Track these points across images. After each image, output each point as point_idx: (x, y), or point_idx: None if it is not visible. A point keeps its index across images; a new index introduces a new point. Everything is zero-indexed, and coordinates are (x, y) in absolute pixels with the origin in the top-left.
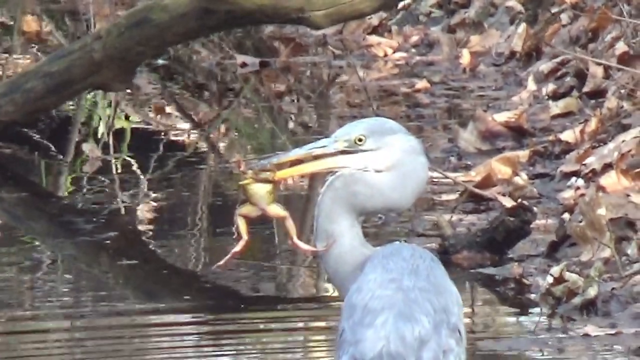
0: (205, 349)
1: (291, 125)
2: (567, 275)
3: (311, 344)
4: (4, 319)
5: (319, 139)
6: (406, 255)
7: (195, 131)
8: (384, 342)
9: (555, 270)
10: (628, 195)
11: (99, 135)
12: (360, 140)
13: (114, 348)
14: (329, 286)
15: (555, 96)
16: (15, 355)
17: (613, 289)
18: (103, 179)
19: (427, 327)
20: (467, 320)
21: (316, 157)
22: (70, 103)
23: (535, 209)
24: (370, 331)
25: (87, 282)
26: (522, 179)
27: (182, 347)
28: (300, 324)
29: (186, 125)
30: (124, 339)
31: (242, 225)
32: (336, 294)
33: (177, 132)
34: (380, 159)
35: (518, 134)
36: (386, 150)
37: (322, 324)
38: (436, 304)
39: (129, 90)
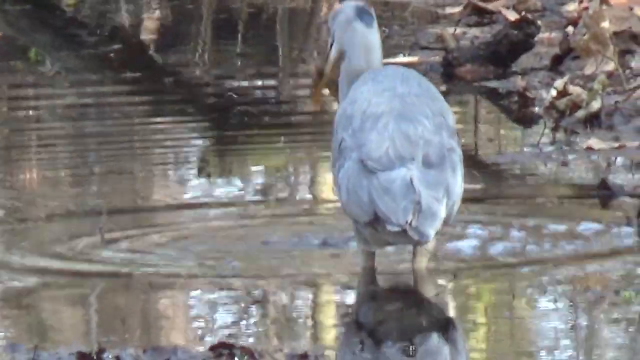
0: (210, 152)
1: None
2: (571, 88)
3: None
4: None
5: None
6: (394, 69)
7: None
8: (389, 142)
9: (559, 83)
10: (631, 9)
11: None
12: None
13: (118, 153)
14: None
15: None
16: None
17: (616, 102)
18: None
19: (429, 127)
20: (471, 133)
21: None
22: None
23: (539, 22)
24: (373, 133)
25: (92, 98)
26: None
27: (186, 156)
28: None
29: None
30: (129, 143)
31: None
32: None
33: None
34: (334, 49)
35: None
36: (336, 38)
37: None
38: (433, 107)
39: None
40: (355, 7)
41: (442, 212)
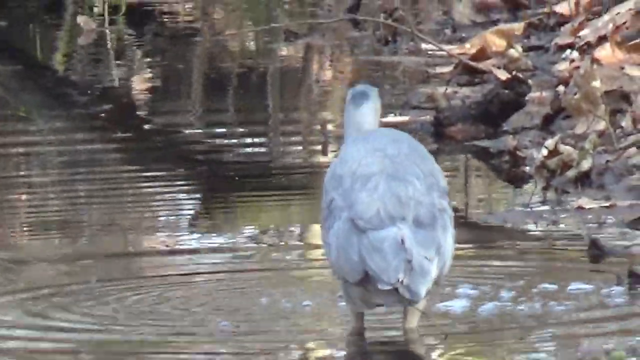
0: (200, 219)
1: None
2: (562, 147)
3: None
4: None
5: (312, 11)
6: (384, 131)
7: (190, 3)
8: (380, 202)
9: (550, 142)
10: (622, 68)
11: (94, 8)
12: None
13: (108, 218)
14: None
15: None
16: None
17: (607, 161)
18: (98, 51)
19: (419, 188)
20: (462, 193)
21: None
22: None
23: (529, 81)
24: (364, 194)
25: (81, 156)
26: (516, 51)
27: (177, 222)
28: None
29: None
30: (119, 208)
31: None
32: None
33: (172, 5)
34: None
35: (513, 6)
36: None
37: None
38: (423, 167)
39: None
40: (353, 91)
41: (434, 271)
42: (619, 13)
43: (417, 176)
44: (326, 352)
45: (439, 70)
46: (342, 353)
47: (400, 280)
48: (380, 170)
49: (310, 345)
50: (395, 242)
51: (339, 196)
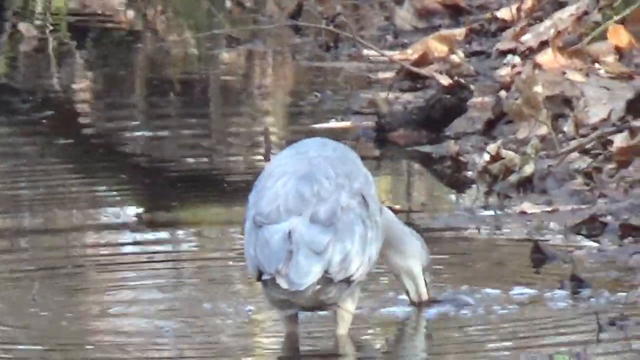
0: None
1: (228, 4)
2: (504, 152)
3: None
4: None
5: (254, 17)
6: (316, 138)
7: (132, 10)
8: (282, 199)
9: (492, 147)
10: (564, 73)
11: (36, 15)
12: None
13: (48, 226)
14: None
15: None
16: None
17: (549, 166)
18: (40, 58)
19: (326, 186)
20: (404, 198)
21: None
22: None
23: (471, 86)
24: (271, 191)
25: (23, 162)
26: (458, 56)
27: (119, 227)
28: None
29: (123, 5)
30: (61, 213)
31: None
32: None
33: (113, 11)
34: None
35: (454, 11)
36: None
37: None
38: (339, 169)
39: None
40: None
41: (319, 265)
42: (560, 18)
43: (327, 176)
44: (263, 356)
45: (381, 75)
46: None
47: (279, 269)
48: (293, 171)
49: (248, 350)
50: (283, 235)
51: (253, 197)
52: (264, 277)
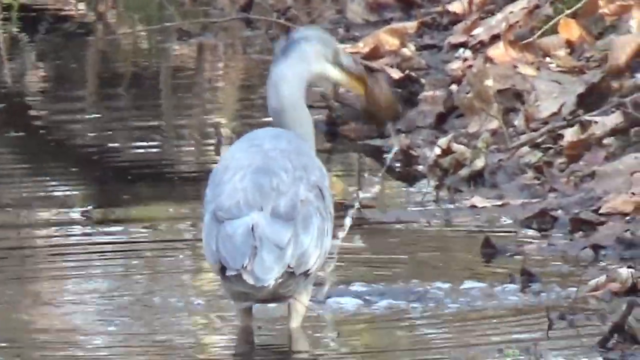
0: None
1: None
2: (455, 146)
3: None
4: None
5: (205, 10)
6: (268, 129)
7: (83, 3)
8: (242, 193)
9: (443, 141)
10: (515, 67)
11: None
12: None
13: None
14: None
15: None
16: None
17: (500, 160)
18: None
19: (285, 180)
20: (353, 190)
21: None
22: None
23: (423, 80)
24: (229, 186)
25: None
26: (409, 50)
27: (69, 220)
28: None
29: None
30: (12, 206)
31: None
32: None
33: (65, 4)
34: None
35: (406, 5)
36: None
37: None
38: (296, 162)
39: None
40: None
41: (283, 260)
42: (512, 12)
43: (285, 169)
44: (215, 350)
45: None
46: (229, 352)
47: (244, 265)
48: (249, 164)
49: (199, 344)
50: (246, 230)
51: (209, 191)
52: (229, 272)
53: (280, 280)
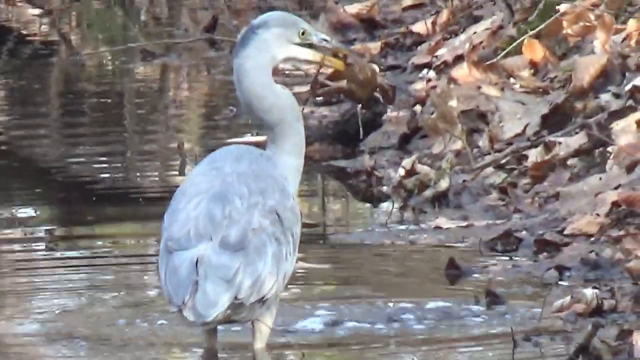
0: (59, 233)
1: (143, 17)
2: (419, 167)
3: None
4: None
5: (169, 30)
6: (232, 149)
7: (46, 23)
8: (193, 222)
9: (407, 162)
10: (479, 87)
11: None
12: None
13: None
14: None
15: None
16: None
17: (464, 181)
18: None
19: (238, 207)
20: (319, 212)
21: None
22: None
23: None
24: (182, 214)
25: None
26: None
27: (34, 238)
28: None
29: (37, 17)
30: None
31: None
32: None
33: (28, 24)
34: None
35: (370, 25)
36: None
37: None
38: (253, 187)
39: None
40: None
41: (227, 293)
42: (475, 33)
43: (241, 195)
44: None
45: (296, 89)
46: None
47: (184, 301)
48: (206, 190)
49: None
50: (191, 263)
51: (166, 216)
52: (171, 308)
53: (228, 311)
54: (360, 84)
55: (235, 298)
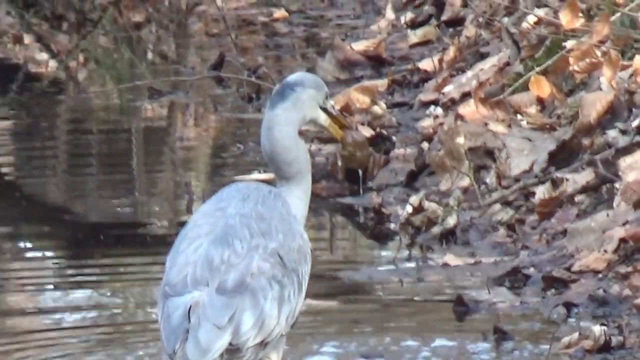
0: (67, 272)
1: (150, 55)
2: (426, 204)
3: None
4: None
5: (176, 68)
6: (242, 187)
7: (54, 62)
8: (191, 267)
9: (414, 199)
10: (486, 124)
11: None
12: None
13: None
14: None
15: (414, 25)
16: None
17: (472, 218)
18: None
19: (238, 251)
20: (326, 249)
21: None
22: None
23: (394, 138)
24: (182, 257)
25: None
26: (380, 108)
27: (42, 271)
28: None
29: (45, 56)
30: None
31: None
32: None
33: (36, 62)
34: None
35: (377, 62)
36: None
37: None
38: (255, 229)
39: None
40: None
41: (221, 340)
42: (482, 69)
43: (242, 238)
44: None
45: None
46: None
47: (175, 350)
48: (207, 233)
49: None
50: (184, 310)
51: (168, 259)
52: (163, 355)
53: (225, 357)
54: (356, 149)
55: (230, 344)
